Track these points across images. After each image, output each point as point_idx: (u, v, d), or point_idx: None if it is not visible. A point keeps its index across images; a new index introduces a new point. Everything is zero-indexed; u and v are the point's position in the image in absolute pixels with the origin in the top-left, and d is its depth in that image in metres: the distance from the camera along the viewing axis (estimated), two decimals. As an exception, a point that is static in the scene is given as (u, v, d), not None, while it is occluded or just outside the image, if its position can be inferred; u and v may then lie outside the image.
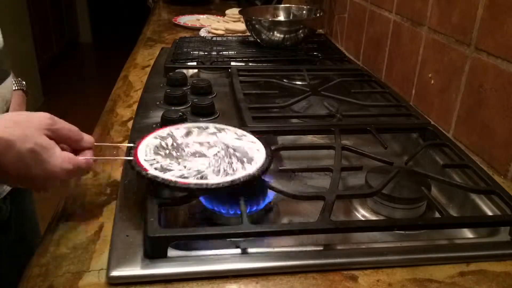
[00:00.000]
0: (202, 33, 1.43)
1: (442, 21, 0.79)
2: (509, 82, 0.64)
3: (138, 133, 0.74)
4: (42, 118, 0.50)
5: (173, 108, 0.82)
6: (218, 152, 0.57)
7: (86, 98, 3.26)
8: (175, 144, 0.58)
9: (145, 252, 0.48)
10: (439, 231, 0.57)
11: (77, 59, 4.48)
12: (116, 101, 0.91)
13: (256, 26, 1.15)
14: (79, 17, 4.76)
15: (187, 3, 1.96)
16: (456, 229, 0.59)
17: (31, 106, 3.22)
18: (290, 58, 1.11)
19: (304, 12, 1.25)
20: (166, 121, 0.73)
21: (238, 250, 0.50)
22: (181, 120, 0.73)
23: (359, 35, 1.16)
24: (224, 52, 1.13)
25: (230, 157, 0.56)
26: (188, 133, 0.61)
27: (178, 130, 0.62)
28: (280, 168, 0.65)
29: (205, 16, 1.69)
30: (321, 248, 0.51)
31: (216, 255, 0.49)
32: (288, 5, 1.31)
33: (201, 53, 1.12)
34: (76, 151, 0.53)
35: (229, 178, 0.51)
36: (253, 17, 1.17)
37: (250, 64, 1.08)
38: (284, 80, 0.96)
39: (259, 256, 0.49)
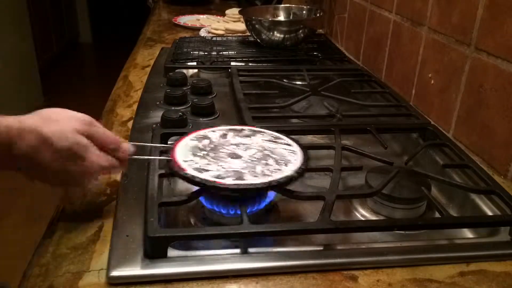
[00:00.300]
0: (202, 33, 1.43)
1: (442, 21, 0.79)
2: (509, 82, 0.64)
3: (138, 133, 0.74)
4: (81, 119, 0.51)
5: (173, 108, 0.82)
6: (254, 154, 0.57)
7: (86, 98, 3.25)
8: (212, 145, 0.59)
9: (145, 252, 0.48)
10: (439, 231, 0.57)
11: (77, 59, 4.48)
12: (116, 101, 0.91)
13: (256, 26, 1.15)
14: (79, 17, 4.76)
15: (187, 3, 1.96)
16: (456, 229, 0.59)
17: (31, 106, 3.23)
18: (290, 58, 1.11)
19: (304, 12, 1.25)
20: (166, 121, 0.73)
21: (238, 250, 0.50)
22: (181, 120, 0.73)
23: (359, 35, 1.16)
24: (224, 52, 1.13)
25: (267, 159, 0.56)
26: (224, 135, 0.62)
27: (214, 133, 0.62)
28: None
29: (205, 16, 1.69)
30: (321, 248, 0.51)
31: (216, 255, 0.49)
32: (288, 5, 1.31)
33: (201, 53, 1.12)
34: None
35: (266, 179, 0.52)
36: (253, 17, 1.17)
37: (250, 64, 1.08)
38: (284, 80, 0.96)
39: (259, 256, 0.49)
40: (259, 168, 0.54)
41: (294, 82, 0.96)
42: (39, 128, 0.47)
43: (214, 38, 1.30)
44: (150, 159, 0.59)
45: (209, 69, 1.03)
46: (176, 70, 0.98)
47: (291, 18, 1.27)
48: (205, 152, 0.57)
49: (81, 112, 0.53)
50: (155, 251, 0.47)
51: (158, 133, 0.67)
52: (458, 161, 0.66)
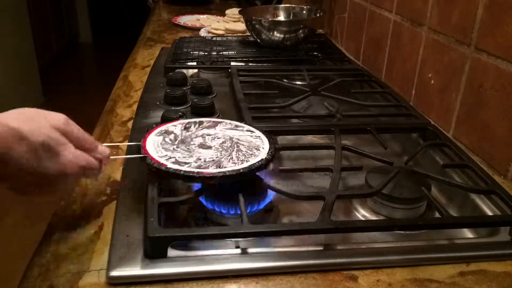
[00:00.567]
0: (202, 33, 1.43)
1: (442, 21, 0.79)
2: (509, 82, 0.64)
3: (138, 133, 0.74)
4: (57, 117, 0.50)
5: (173, 108, 0.82)
6: (223, 142, 0.59)
7: (86, 98, 3.25)
8: (179, 138, 0.59)
9: (145, 252, 0.48)
10: (439, 231, 0.57)
11: (77, 59, 4.48)
12: (116, 101, 0.91)
13: (256, 26, 1.15)
14: (79, 17, 4.76)
15: (187, 3, 1.96)
16: (456, 229, 0.59)
17: (31, 106, 3.22)
18: (290, 58, 1.11)
19: (304, 12, 1.25)
20: (166, 121, 0.73)
21: (238, 250, 0.50)
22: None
23: (359, 35, 1.16)
24: (224, 52, 1.13)
25: (238, 146, 0.58)
26: (186, 128, 0.63)
27: (175, 127, 0.63)
28: (280, 168, 0.65)
29: (205, 16, 1.69)
30: (321, 248, 0.51)
31: (216, 255, 0.49)
32: (288, 5, 1.31)
33: (201, 53, 1.12)
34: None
35: (246, 164, 0.53)
36: (253, 17, 1.17)
37: (250, 64, 1.08)
38: (284, 80, 0.96)
39: (259, 256, 0.49)
40: (234, 155, 0.56)
41: (294, 82, 0.96)
42: (10, 123, 0.45)
43: (214, 38, 1.30)
44: (126, 158, 0.61)
45: (209, 69, 1.03)
46: (176, 70, 0.98)
47: (291, 18, 1.27)
48: (175, 146, 0.57)
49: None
50: (155, 251, 0.47)
51: (158, 133, 0.67)
52: (458, 161, 0.66)
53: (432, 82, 0.83)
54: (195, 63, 1.06)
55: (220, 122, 0.65)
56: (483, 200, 0.61)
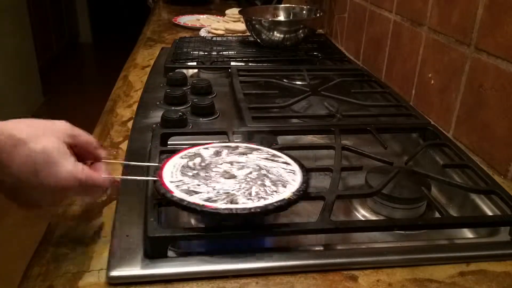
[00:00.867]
0: (202, 33, 1.43)
1: (442, 21, 0.79)
2: (509, 82, 0.64)
3: (138, 133, 0.74)
4: (61, 124, 0.48)
5: (173, 108, 0.82)
6: (250, 173, 0.53)
7: (86, 98, 3.25)
8: (203, 163, 0.55)
9: (145, 252, 0.48)
10: (439, 231, 0.57)
11: (77, 59, 4.48)
12: (116, 101, 0.91)
13: (256, 26, 1.15)
14: (79, 17, 4.76)
15: (187, 3, 1.96)
16: (456, 229, 0.59)
17: (31, 106, 3.24)
18: (290, 58, 1.11)
19: (304, 12, 1.25)
20: (166, 121, 0.73)
21: (238, 250, 0.49)
22: (181, 120, 0.73)
23: (359, 35, 1.16)
24: (224, 52, 1.13)
25: (263, 179, 0.52)
26: (217, 153, 0.58)
27: (207, 150, 0.58)
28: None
29: (205, 16, 1.69)
30: (321, 248, 0.51)
31: (216, 255, 0.49)
32: (288, 5, 1.31)
33: (201, 53, 1.12)
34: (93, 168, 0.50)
35: (261, 203, 0.47)
36: (253, 17, 1.17)
37: (250, 64, 1.08)
38: (284, 80, 0.96)
39: (259, 256, 0.49)
40: (254, 190, 0.50)
41: (294, 82, 0.96)
42: (10, 130, 0.43)
43: (214, 38, 1.30)
44: (137, 179, 0.56)
45: (209, 69, 1.03)
46: (176, 70, 0.98)
47: (291, 18, 1.27)
48: (195, 172, 0.53)
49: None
50: (155, 251, 0.47)
51: (158, 133, 0.67)
52: (458, 161, 0.66)
53: (432, 82, 0.83)
54: (195, 63, 1.06)
55: (256, 149, 0.59)
56: (483, 200, 0.61)
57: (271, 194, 0.49)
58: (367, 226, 0.55)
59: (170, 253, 0.48)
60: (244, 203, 0.47)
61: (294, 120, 0.82)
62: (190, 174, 0.52)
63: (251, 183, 0.51)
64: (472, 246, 0.53)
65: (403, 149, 0.78)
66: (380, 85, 0.94)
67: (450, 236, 0.57)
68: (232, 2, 2.00)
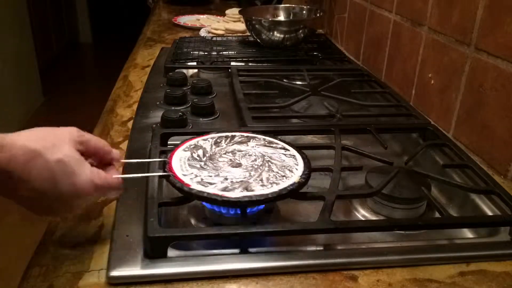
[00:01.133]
0: (202, 33, 1.43)
1: (442, 21, 0.79)
2: (509, 82, 0.64)
3: (138, 133, 0.74)
4: (71, 130, 0.48)
5: (173, 108, 0.82)
6: (255, 160, 0.55)
7: (86, 98, 3.25)
8: (207, 155, 0.56)
9: (145, 252, 0.48)
10: (439, 231, 0.57)
11: (77, 59, 4.48)
12: (116, 101, 0.91)
13: (256, 26, 1.15)
14: (79, 17, 4.76)
15: (187, 3, 1.96)
16: (456, 229, 0.59)
17: (31, 106, 3.24)
18: (290, 58, 1.11)
19: (304, 12, 1.26)
20: (166, 121, 0.73)
21: (238, 250, 0.50)
22: (181, 120, 0.73)
23: (359, 35, 1.16)
24: (224, 52, 1.13)
25: (269, 165, 0.54)
26: (216, 143, 0.59)
27: (206, 141, 0.59)
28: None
29: (205, 16, 1.69)
30: (321, 248, 0.51)
31: (216, 255, 0.49)
32: (288, 5, 1.31)
33: (201, 53, 1.12)
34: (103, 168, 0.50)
35: (275, 188, 0.49)
36: (253, 17, 1.17)
37: (250, 64, 1.08)
38: (284, 80, 0.96)
39: (259, 256, 0.49)
40: (264, 176, 0.52)
41: (294, 82, 0.96)
42: (25, 143, 0.43)
43: (214, 38, 1.30)
44: (149, 176, 0.55)
45: (209, 69, 1.03)
46: (176, 70, 0.98)
47: (291, 18, 1.27)
48: (202, 163, 0.54)
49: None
50: (155, 251, 0.47)
51: (158, 133, 0.67)
52: (458, 161, 0.66)
53: (432, 82, 0.83)
54: (195, 63, 1.06)
55: (252, 137, 0.61)
56: (483, 200, 0.61)
57: (281, 179, 0.51)
58: (367, 226, 0.55)
59: (170, 253, 0.48)
60: (260, 190, 0.49)
61: (294, 120, 0.82)
62: (198, 166, 0.53)
63: (259, 170, 0.53)
64: (472, 246, 0.53)
65: (403, 149, 0.78)
66: (380, 85, 0.94)
67: (450, 236, 0.57)
68: (232, 2, 2.00)
